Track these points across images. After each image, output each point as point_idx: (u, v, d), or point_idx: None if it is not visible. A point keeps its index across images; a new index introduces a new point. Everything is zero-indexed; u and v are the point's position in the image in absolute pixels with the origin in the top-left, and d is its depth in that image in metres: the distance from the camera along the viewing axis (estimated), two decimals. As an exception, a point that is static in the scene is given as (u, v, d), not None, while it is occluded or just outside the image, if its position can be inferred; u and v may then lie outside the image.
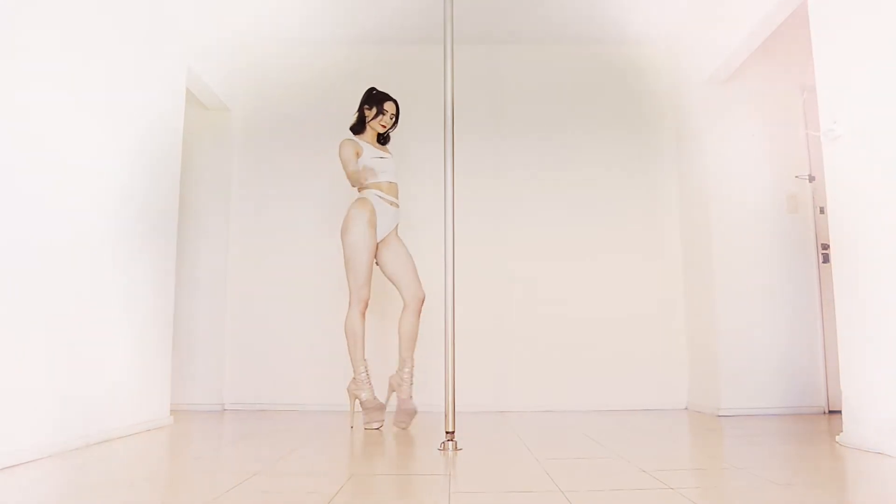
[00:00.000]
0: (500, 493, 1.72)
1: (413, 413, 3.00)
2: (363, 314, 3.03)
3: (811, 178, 3.69)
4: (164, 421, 3.13)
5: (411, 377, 3.04)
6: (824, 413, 3.51)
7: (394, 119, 3.22)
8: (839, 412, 2.59)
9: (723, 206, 3.67)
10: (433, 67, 3.67)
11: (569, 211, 4.11)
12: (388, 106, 3.18)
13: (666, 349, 3.98)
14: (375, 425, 2.97)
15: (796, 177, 3.70)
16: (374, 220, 3.02)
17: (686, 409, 3.91)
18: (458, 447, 2.37)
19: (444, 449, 2.34)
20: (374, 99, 3.19)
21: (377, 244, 3.09)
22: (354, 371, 3.04)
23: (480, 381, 3.47)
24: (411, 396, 3.02)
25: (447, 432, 2.38)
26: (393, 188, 3.14)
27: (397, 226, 3.19)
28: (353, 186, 3.11)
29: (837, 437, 2.47)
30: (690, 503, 1.52)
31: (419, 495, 1.69)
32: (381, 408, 3.01)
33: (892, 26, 2.24)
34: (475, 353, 3.53)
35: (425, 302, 3.12)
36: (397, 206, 3.15)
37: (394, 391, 3.08)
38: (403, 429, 2.95)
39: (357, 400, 3.04)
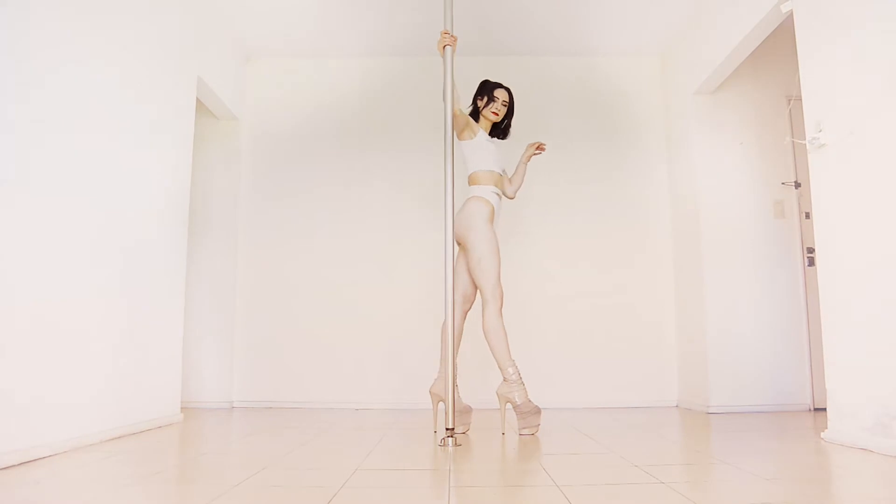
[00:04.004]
0: (499, 488, 1.78)
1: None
2: (501, 311, 2.83)
3: (797, 185, 3.78)
4: (175, 418, 3.18)
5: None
6: (810, 410, 3.59)
7: (506, 106, 3.04)
8: (824, 409, 2.65)
9: (712, 211, 3.75)
10: (435, 78, 3.75)
11: (562, 215, 4.17)
12: (499, 93, 3.02)
13: (657, 349, 4.06)
14: (531, 431, 2.70)
15: (783, 183, 3.79)
16: (493, 216, 2.92)
17: (677, 406, 3.99)
18: (458, 443, 2.45)
19: (444, 445, 2.41)
20: (486, 88, 3.05)
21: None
22: (504, 373, 2.76)
23: (478, 379, 3.53)
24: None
25: (447, 429, 2.46)
26: (502, 180, 3.03)
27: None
28: (455, 125, 2.87)
29: (822, 434, 2.54)
30: (680, 496, 1.57)
31: (421, 489, 1.75)
32: (538, 411, 2.71)
33: (876, 39, 2.31)
34: (473, 353, 3.58)
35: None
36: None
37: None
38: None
39: (509, 404, 2.76)
